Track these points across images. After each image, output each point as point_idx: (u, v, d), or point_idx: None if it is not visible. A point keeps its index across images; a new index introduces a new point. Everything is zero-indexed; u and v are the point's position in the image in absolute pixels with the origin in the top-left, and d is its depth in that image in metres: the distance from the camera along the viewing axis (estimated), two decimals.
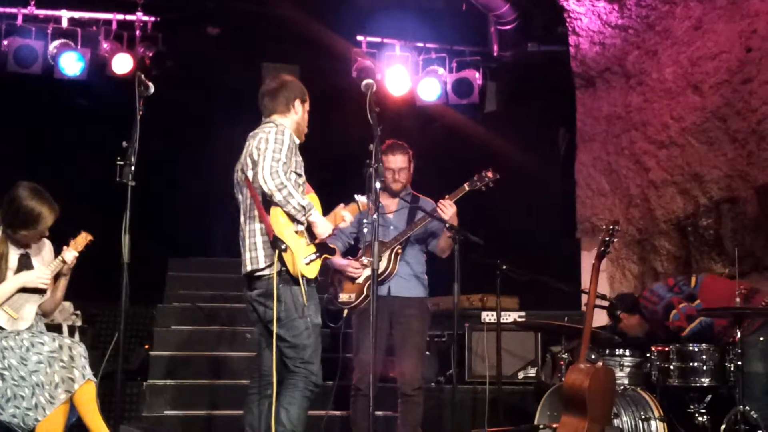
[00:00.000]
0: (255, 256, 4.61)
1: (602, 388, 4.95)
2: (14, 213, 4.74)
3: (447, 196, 5.44)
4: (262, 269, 4.58)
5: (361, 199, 4.90)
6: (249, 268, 4.63)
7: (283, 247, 4.45)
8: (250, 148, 4.66)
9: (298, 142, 4.79)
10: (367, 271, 5.39)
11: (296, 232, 4.56)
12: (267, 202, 4.53)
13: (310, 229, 4.63)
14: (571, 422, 4.90)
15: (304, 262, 4.56)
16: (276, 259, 4.48)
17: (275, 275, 4.49)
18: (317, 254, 4.66)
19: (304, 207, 4.50)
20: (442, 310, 6.75)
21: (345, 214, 4.93)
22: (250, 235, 4.65)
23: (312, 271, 4.61)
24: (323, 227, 4.62)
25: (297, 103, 4.88)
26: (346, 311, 5.52)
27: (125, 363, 6.63)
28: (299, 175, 4.71)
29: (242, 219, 4.71)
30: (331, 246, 4.85)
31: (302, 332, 4.57)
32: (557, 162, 8.74)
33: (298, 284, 4.51)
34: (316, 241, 4.67)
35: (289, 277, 4.53)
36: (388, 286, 5.49)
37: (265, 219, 4.54)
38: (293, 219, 4.54)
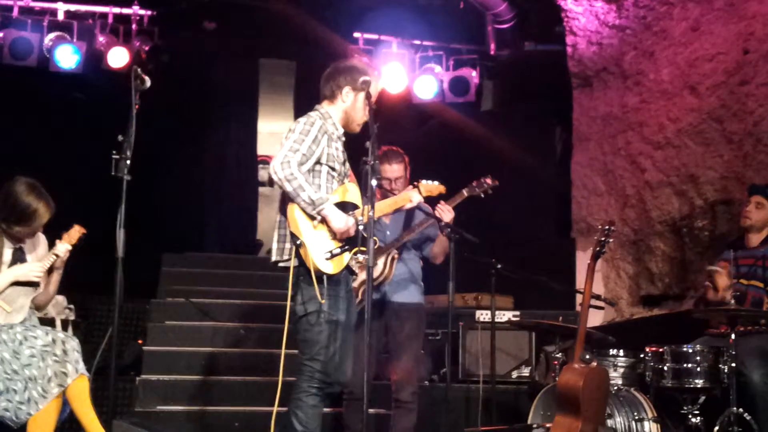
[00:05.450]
0: (280, 247, 4.53)
1: (596, 389, 4.95)
2: (10, 208, 4.72)
3: (445, 201, 5.40)
4: (284, 261, 4.49)
5: (427, 183, 4.97)
6: (274, 258, 4.55)
7: (297, 242, 4.35)
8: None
9: (340, 131, 4.63)
10: (362, 276, 5.33)
11: (318, 224, 4.42)
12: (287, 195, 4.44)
13: None
14: (565, 422, 4.90)
15: (324, 256, 4.41)
16: (293, 254, 4.40)
17: (291, 270, 4.40)
18: (344, 247, 4.48)
19: (314, 201, 4.33)
20: (436, 308, 6.73)
21: (413, 195, 4.87)
22: (279, 226, 4.57)
23: (332, 266, 4.44)
24: (338, 222, 4.40)
25: (347, 90, 4.62)
26: None
27: (118, 358, 6.64)
28: (332, 168, 4.55)
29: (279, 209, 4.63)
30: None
31: (312, 328, 4.44)
32: (553, 162, 8.73)
33: (315, 281, 4.37)
34: (338, 237, 4.48)
35: (305, 272, 4.40)
36: (383, 291, 5.44)
37: (287, 211, 4.45)
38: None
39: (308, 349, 4.48)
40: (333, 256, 4.43)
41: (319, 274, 4.39)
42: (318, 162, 4.49)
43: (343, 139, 4.69)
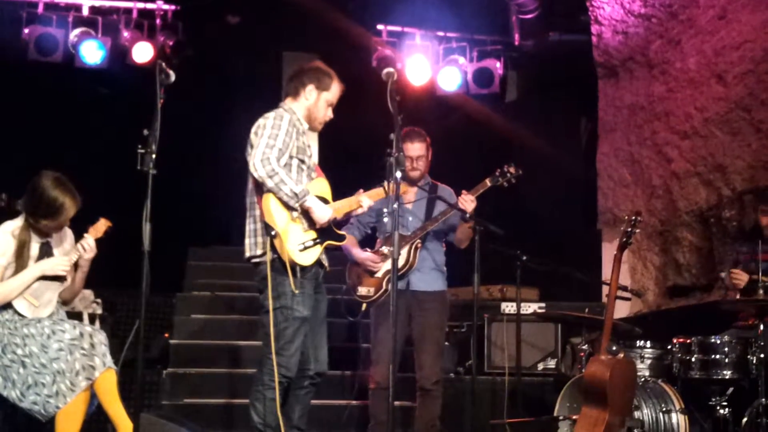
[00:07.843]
0: (252, 242, 4.65)
1: (623, 380, 4.92)
2: (37, 202, 4.75)
3: (467, 191, 5.38)
4: (258, 256, 4.60)
5: (370, 191, 4.92)
6: (247, 254, 4.67)
7: (272, 233, 4.47)
8: (250, 133, 4.68)
9: (305, 126, 4.80)
10: (387, 265, 5.34)
11: (293, 217, 4.53)
12: (261, 188, 4.55)
13: (309, 215, 4.60)
14: (592, 414, 4.87)
15: (297, 248, 4.52)
16: (269, 247, 4.50)
17: (268, 263, 4.50)
18: (317, 240, 4.61)
19: (297, 194, 4.48)
20: (461, 300, 6.72)
21: (363, 200, 4.89)
22: (250, 221, 4.69)
23: (306, 257, 4.56)
24: (321, 212, 4.56)
25: (310, 89, 4.82)
26: (364, 305, 5.50)
27: (145, 351, 6.66)
28: (302, 161, 4.69)
29: (246, 204, 4.75)
30: (340, 233, 4.79)
31: (280, 322, 4.55)
32: (579, 152, 8.68)
33: (290, 273, 4.48)
34: (318, 226, 4.61)
35: (281, 266, 4.52)
36: (407, 279, 5.44)
37: (260, 204, 4.56)
38: (288, 205, 4.53)
39: (274, 343, 4.54)
40: (306, 248, 4.54)
41: (294, 266, 4.49)
42: (289, 155, 4.62)
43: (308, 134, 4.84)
